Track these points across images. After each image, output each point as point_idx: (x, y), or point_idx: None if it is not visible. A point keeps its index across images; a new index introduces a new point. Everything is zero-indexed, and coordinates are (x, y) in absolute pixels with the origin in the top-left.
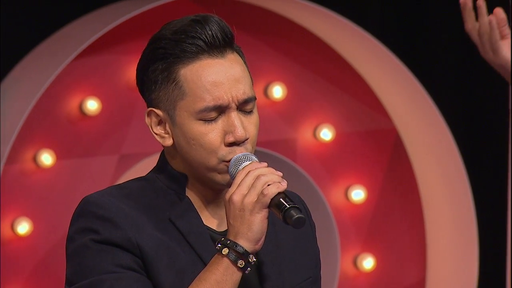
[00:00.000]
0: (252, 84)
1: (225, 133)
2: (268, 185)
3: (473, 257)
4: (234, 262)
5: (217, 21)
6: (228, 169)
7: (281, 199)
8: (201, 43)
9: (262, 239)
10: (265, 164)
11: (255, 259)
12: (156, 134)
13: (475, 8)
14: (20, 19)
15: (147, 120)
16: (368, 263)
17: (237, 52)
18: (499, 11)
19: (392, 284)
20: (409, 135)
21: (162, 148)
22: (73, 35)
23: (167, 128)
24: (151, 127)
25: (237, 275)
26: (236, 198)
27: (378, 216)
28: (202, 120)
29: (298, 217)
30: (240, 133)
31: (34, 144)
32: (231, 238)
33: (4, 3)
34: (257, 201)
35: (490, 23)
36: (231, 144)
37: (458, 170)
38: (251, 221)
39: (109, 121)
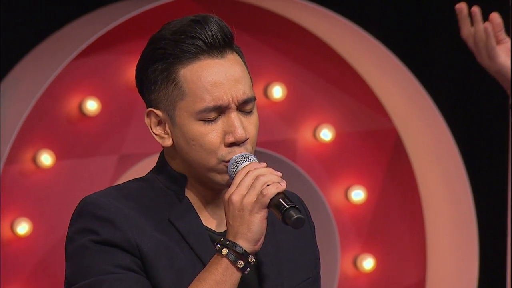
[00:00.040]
0: (252, 84)
1: (225, 133)
2: (267, 185)
3: (473, 257)
4: (234, 263)
5: (217, 21)
6: (227, 169)
7: (280, 199)
8: (200, 43)
9: (262, 239)
10: (264, 164)
11: (254, 260)
12: (155, 134)
13: (472, 14)
14: (20, 19)
15: (146, 120)
16: (368, 263)
17: (236, 52)
18: (495, 16)
19: (392, 285)
20: (409, 135)
21: (162, 149)
22: (72, 35)
23: (167, 128)
24: (151, 127)
25: (237, 275)
26: (235, 198)
27: (378, 217)
28: (202, 120)
29: (297, 217)
30: (240, 133)
31: (34, 144)
32: (231, 238)
33: (4, 3)
34: (256, 201)
35: (485, 30)
36: (231, 145)
37: (458, 170)
38: (251, 221)
39: (109, 122)
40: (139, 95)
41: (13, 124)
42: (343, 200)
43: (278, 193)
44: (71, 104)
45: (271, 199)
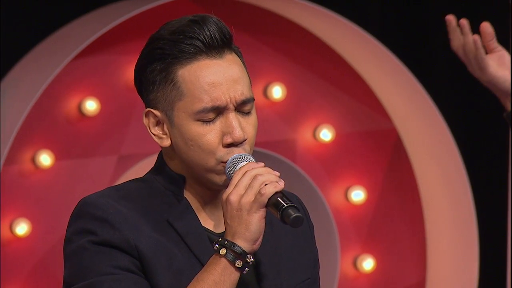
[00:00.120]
0: (251, 84)
1: (223, 134)
2: (265, 184)
3: (473, 257)
4: (232, 262)
5: (215, 22)
6: (224, 169)
7: (278, 198)
8: (199, 43)
9: (260, 239)
10: (262, 164)
11: (253, 259)
12: (154, 134)
13: (460, 26)
14: (19, 19)
15: (145, 120)
16: (368, 264)
17: (235, 53)
18: (486, 26)
19: (392, 285)
20: (409, 135)
21: (161, 149)
22: (72, 35)
23: (165, 128)
24: (149, 127)
25: (235, 275)
26: (233, 198)
27: (378, 217)
28: (200, 121)
29: (296, 216)
30: (238, 134)
31: (33, 144)
32: (229, 238)
33: (3, 3)
34: (255, 200)
35: (474, 42)
36: (229, 145)
37: (458, 170)
38: (249, 221)
39: (108, 122)
40: (138, 95)
41: (12, 124)
42: (343, 200)
43: (276, 192)
44: (71, 104)
45: (269, 199)
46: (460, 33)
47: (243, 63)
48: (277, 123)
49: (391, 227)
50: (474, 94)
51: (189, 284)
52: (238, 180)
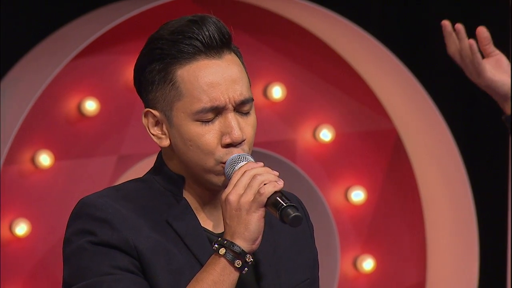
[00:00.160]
0: (250, 85)
1: (222, 134)
2: (265, 184)
3: (473, 257)
4: (231, 262)
5: (215, 22)
6: (224, 170)
7: (277, 198)
8: (198, 43)
9: (259, 239)
10: (261, 164)
11: (252, 259)
12: (153, 135)
13: (456, 31)
14: (19, 19)
15: (144, 120)
16: (368, 264)
17: (234, 53)
18: (482, 30)
19: (392, 285)
20: (409, 135)
21: (160, 149)
22: (71, 35)
23: (164, 129)
24: (148, 127)
25: (234, 275)
26: (232, 198)
27: (378, 217)
28: (199, 121)
29: (295, 215)
30: (236, 134)
31: (33, 144)
32: (228, 238)
33: (3, 3)
34: (254, 200)
35: (470, 47)
36: (227, 146)
37: (458, 171)
38: (248, 220)
39: (108, 122)
40: (138, 95)
41: (12, 125)
42: (343, 200)
43: (276, 192)
44: (70, 104)
45: (268, 198)
46: (456, 38)
47: (242, 63)
48: (277, 123)
49: (391, 227)
50: (474, 94)
51: (188, 284)
52: (237, 180)
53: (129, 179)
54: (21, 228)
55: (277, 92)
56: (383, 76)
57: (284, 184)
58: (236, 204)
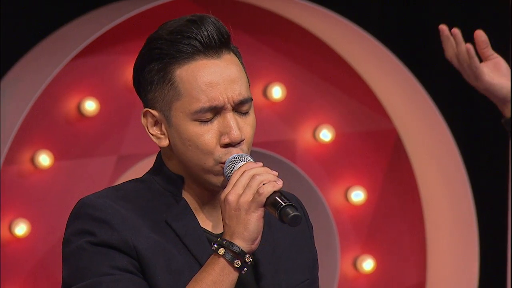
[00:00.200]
0: (249, 85)
1: (221, 134)
2: (264, 184)
3: (473, 258)
4: (231, 262)
5: (213, 22)
6: (223, 170)
7: (276, 198)
8: (196, 43)
9: (258, 239)
10: (261, 163)
11: (251, 259)
12: (152, 134)
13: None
14: (18, 18)
15: (143, 120)
16: (368, 264)
17: (233, 53)
18: (480, 34)
19: (392, 286)
20: (409, 135)
21: (160, 149)
22: (71, 35)
23: (163, 128)
24: (147, 127)
25: (234, 275)
26: (231, 198)
27: (378, 217)
28: (198, 121)
29: (294, 215)
30: (235, 134)
31: (32, 145)
32: (227, 238)
33: (3, 3)
34: (253, 200)
35: (467, 51)
36: (226, 145)
37: (458, 171)
38: (247, 220)
39: (107, 122)
40: (137, 95)
41: (12, 125)
42: (343, 201)
43: (275, 192)
44: (70, 104)
45: (267, 198)
46: (453, 42)
47: (242, 63)
48: (277, 124)
49: (391, 228)
50: (474, 94)
51: (187, 284)
52: (237, 180)
53: (128, 179)
54: (21, 228)
55: (277, 92)
56: (383, 76)
57: (284, 184)
58: (235, 204)
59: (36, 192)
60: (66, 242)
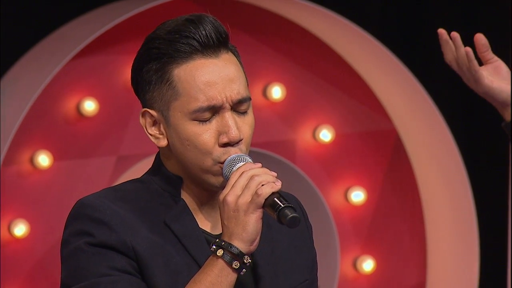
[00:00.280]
0: (248, 84)
1: (219, 133)
2: (262, 185)
3: (473, 258)
4: (229, 263)
5: (211, 21)
6: (222, 170)
7: (275, 199)
8: (194, 43)
9: (257, 240)
10: (260, 164)
11: (250, 260)
12: (150, 134)
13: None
14: (17, 18)
15: (141, 120)
16: (368, 265)
17: (232, 52)
18: (480, 37)
19: (392, 286)
20: (409, 136)
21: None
22: (70, 35)
23: (162, 128)
24: (146, 127)
25: (232, 276)
26: (230, 199)
27: (378, 218)
28: (196, 120)
29: (292, 217)
30: (234, 133)
31: (31, 145)
32: (226, 239)
33: (3, 3)
34: (251, 201)
35: (467, 54)
36: (225, 145)
37: (458, 171)
38: (246, 221)
39: (107, 122)
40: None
41: (11, 125)
42: (342, 201)
43: (273, 193)
44: (69, 105)
45: (266, 199)
46: (452, 46)
47: (240, 62)
48: (276, 124)
49: (391, 228)
50: (474, 94)
51: (186, 285)
52: (235, 181)
53: (127, 180)
54: (20, 229)
55: (276, 92)
56: (383, 76)
57: (283, 184)
58: (234, 205)
59: (35, 193)
60: (64, 242)
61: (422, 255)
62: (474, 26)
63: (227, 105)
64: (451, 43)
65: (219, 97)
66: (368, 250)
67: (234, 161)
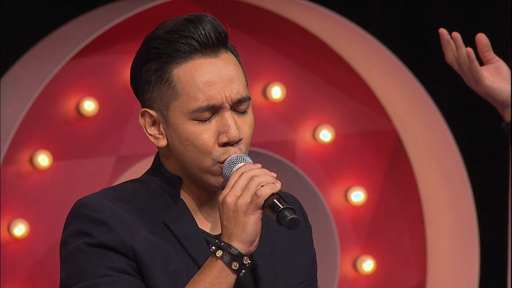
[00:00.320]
0: (247, 84)
1: (219, 133)
2: (262, 186)
3: (474, 258)
4: (228, 264)
5: (211, 21)
6: (222, 171)
7: (274, 200)
8: (194, 42)
9: (257, 241)
10: (259, 165)
11: (249, 261)
12: (150, 134)
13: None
14: (17, 18)
15: (141, 120)
16: (368, 265)
17: (231, 52)
18: (482, 37)
19: (393, 286)
20: (409, 136)
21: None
22: (70, 35)
23: (161, 128)
24: (145, 127)
25: (232, 277)
26: (230, 199)
27: (378, 218)
28: (196, 120)
29: (291, 218)
30: (233, 133)
31: (31, 145)
32: (225, 240)
33: (2, 3)
34: (251, 202)
35: (468, 54)
36: (224, 145)
37: (458, 171)
38: (245, 222)
39: (106, 122)
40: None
41: (10, 125)
42: (342, 201)
43: (273, 194)
44: (69, 105)
45: (265, 200)
46: (453, 46)
47: (239, 62)
48: (276, 124)
49: (391, 228)
50: (474, 94)
51: (185, 286)
52: (235, 182)
53: (127, 180)
54: (20, 229)
55: (276, 92)
56: (383, 76)
57: (283, 184)
58: (233, 206)
59: (35, 193)
60: (63, 243)
61: (422, 255)
62: (474, 26)
63: (227, 105)
64: (452, 43)
65: (218, 97)
66: (368, 250)
67: (234, 162)
